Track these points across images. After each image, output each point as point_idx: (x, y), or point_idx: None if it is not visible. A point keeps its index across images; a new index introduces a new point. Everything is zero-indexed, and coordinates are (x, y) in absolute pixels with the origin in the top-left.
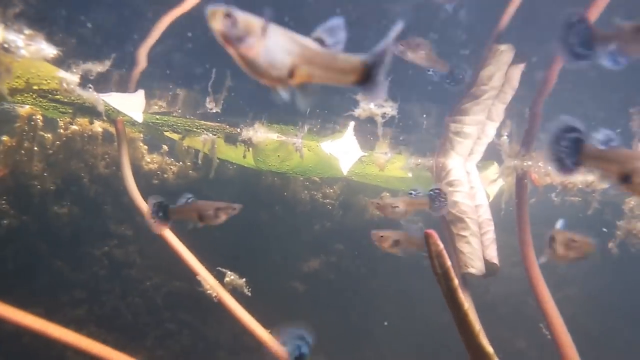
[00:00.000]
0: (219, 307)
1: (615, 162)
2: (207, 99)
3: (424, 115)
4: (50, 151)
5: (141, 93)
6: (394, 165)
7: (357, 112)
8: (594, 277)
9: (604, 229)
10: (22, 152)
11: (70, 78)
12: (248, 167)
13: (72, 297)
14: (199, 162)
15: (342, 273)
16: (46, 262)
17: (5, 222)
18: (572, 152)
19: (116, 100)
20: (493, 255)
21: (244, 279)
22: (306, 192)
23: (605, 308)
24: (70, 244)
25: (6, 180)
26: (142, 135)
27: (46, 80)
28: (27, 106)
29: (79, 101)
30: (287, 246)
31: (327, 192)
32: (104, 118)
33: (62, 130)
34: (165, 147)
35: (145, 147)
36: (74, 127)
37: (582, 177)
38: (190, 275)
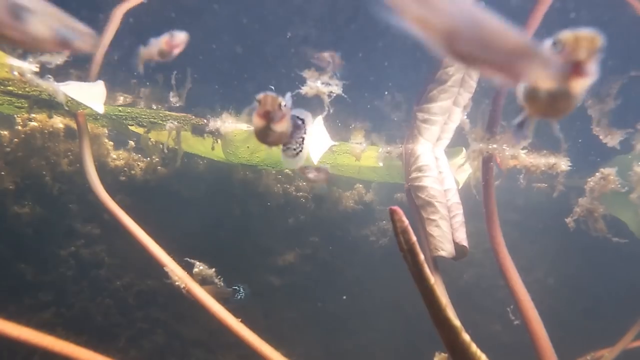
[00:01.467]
0: (194, 304)
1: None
2: (171, 94)
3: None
4: (8, 149)
5: (101, 83)
6: (365, 155)
7: (304, 89)
8: (561, 261)
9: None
10: None
11: (26, 66)
12: (218, 160)
13: (37, 300)
14: (166, 152)
15: (318, 265)
16: (8, 264)
17: None
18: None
19: (75, 90)
20: (462, 237)
21: (213, 269)
22: (279, 185)
23: (573, 291)
24: (34, 245)
25: None
26: (106, 131)
27: None
28: None
29: (34, 93)
30: (262, 240)
31: (300, 185)
32: (66, 108)
33: (20, 127)
34: (131, 142)
35: (111, 143)
36: (33, 123)
37: (545, 160)
38: (162, 272)
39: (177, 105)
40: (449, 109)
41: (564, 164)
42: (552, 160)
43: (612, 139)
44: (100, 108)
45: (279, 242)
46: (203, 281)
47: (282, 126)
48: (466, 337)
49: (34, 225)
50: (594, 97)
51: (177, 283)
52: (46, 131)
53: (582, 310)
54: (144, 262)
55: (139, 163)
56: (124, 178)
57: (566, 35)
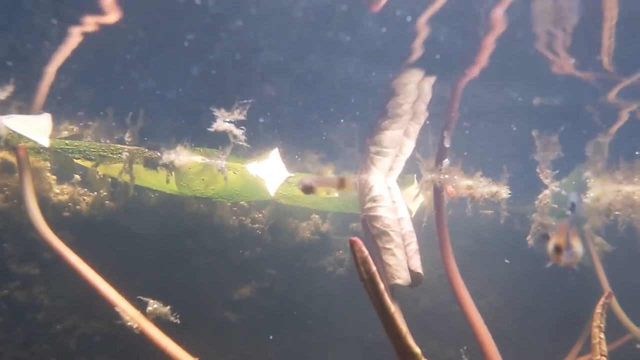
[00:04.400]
0: (143, 346)
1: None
2: (127, 134)
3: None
4: None
5: (47, 116)
6: None
7: (214, 126)
8: (510, 284)
9: (507, 261)
10: None
11: None
12: (171, 193)
13: None
14: (115, 186)
15: (275, 298)
16: None
17: None
18: None
19: (18, 123)
20: (417, 265)
21: (168, 307)
22: (234, 217)
23: (523, 312)
24: None
25: None
26: (49, 164)
27: None
28: None
29: None
30: (216, 275)
31: (256, 216)
32: (1, 144)
33: None
34: (77, 176)
35: (54, 177)
36: None
37: (487, 188)
38: (108, 313)
39: (129, 140)
40: (400, 141)
41: (504, 191)
42: (494, 188)
43: (546, 177)
44: (45, 141)
45: (234, 275)
46: (157, 320)
47: None
48: None
49: None
50: (540, 145)
51: (129, 323)
52: None
53: (531, 330)
54: (88, 303)
55: (85, 197)
56: (67, 213)
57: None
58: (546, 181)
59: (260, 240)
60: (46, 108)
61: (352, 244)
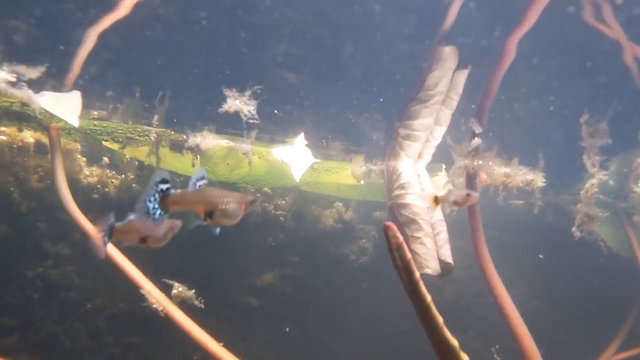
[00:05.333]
0: (168, 327)
1: (199, 203)
2: (155, 116)
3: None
4: None
5: (77, 94)
6: (345, 173)
7: (225, 107)
8: (541, 277)
9: (541, 256)
10: None
11: (1, 76)
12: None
13: (1, 324)
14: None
15: (298, 286)
16: None
17: None
18: (160, 202)
19: (50, 101)
20: (447, 254)
21: (193, 290)
22: (258, 204)
23: (554, 306)
24: None
25: None
26: (79, 146)
27: None
28: None
29: (4, 105)
30: (240, 260)
31: (279, 203)
32: (38, 117)
33: None
34: (105, 159)
35: (84, 159)
36: (2, 137)
37: (522, 176)
38: (136, 295)
39: (157, 123)
40: (430, 126)
41: (540, 180)
42: (529, 176)
43: (593, 166)
44: (74, 121)
45: (257, 262)
46: (182, 303)
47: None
48: (464, 357)
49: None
50: (588, 131)
51: (154, 306)
52: (15, 145)
53: (563, 326)
54: (117, 284)
55: (113, 180)
56: (96, 195)
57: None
58: (592, 170)
59: (283, 227)
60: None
61: (387, 229)
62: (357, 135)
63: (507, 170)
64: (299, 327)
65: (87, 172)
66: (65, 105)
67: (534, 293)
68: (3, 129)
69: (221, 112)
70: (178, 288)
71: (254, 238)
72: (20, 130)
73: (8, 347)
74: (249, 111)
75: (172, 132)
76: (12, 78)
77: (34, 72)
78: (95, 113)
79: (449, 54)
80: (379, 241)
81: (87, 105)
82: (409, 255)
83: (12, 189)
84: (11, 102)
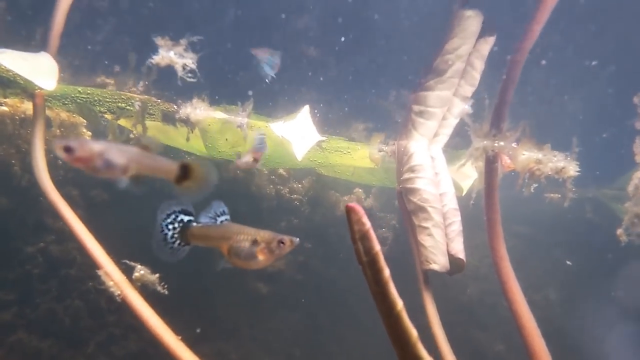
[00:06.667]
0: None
1: (221, 239)
2: (140, 83)
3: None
4: None
5: (47, 55)
6: (358, 154)
7: (156, 59)
8: (573, 278)
9: (568, 262)
10: None
11: None
12: (205, 157)
13: None
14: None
15: (310, 273)
16: None
17: None
18: (180, 235)
19: (13, 60)
20: (459, 249)
21: (157, 275)
22: (272, 186)
23: (585, 311)
24: None
25: None
26: (84, 121)
27: None
28: None
29: None
30: None
31: (294, 187)
32: (18, 91)
33: None
34: (111, 135)
35: (89, 133)
36: (4, 108)
37: (552, 163)
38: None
39: (141, 89)
40: (448, 100)
41: (572, 168)
42: (560, 163)
43: None
44: (49, 84)
45: None
46: (143, 287)
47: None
48: None
49: (0, 218)
50: None
51: (111, 289)
52: (17, 117)
53: (594, 332)
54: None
55: None
56: None
57: None
58: None
59: (298, 212)
60: (81, 61)
61: (349, 212)
62: (380, 116)
63: (539, 155)
64: (309, 316)
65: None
66: (35, 66)
67: (565, 295)
68: (5, 100)
69: (150, 65)
70: (140, 271)
71: (266, 221)
72: (5, 97)
73: (4, 322)
74: (185, 65)
75: (160, 101)
76: None
77: None
78: (98, 81)
79: (471, 19)
80: (399, 231)
81: (92, 76)
82: (376, 247)
83: (13, 161)
84: None
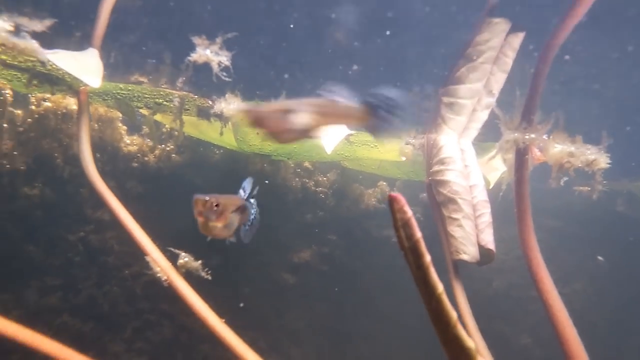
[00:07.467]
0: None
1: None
2: (180, 79)
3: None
4: (21, 129)
5: (94, 52)
6: (386, 148)
7: (194, 57)
8: (603, 273)
9: (600, 258)
10: None
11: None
12: (232, 150)
13: (44, 283)
14: (175, 134)
15: (335, 265)
16: (17, 245)
17: None
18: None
19: (65, 60)
20: (489, 240)
21: (200, 262)
22: (297, 179)
23: (616, 305)
24: (43, 228)
25: None
26: (120, 115)
27: None
28: None
29: (29, 65)
30: (277, 236)
31: (319, 180)
32: (47, 67)
33: (34, 107)
34: (146, 128)
35: (125, 127)
36: (47, 103)
37: (584, 157)
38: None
39: (180, 85)
40: (478, 93)
41: (603, 160)
42: (591, 156)
43: None
44: (95, 82)
45: (294, 238)
46: (188, 274)
47: (221, 221)
48: None
49: (44, 208)
50: None
51: (158, 275)
52: (59, 112)
53: (628, 326)
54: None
55: (152, 149)
56: (136, 164)
57: None
58: None
59: (323, 205)
60: (117, 58)
61: (392, 201)
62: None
63: (572, 148)
64: (335, 306)
65: (128, 141)
66: (83, 65)
67: (596, 289)
68: (48, 95)
69: (188, 63)
70: (184, 258)
71: (292, 214)
72: (53, 94)
73: (50, 306)
74: (220, 62)
75: (196, 97)
76: (10, 27)
77: (37, 25)
78: (133, 79)
79: (499, 22)
80: (424, 224)
81: (126, 75)
82: (418, 234)
83: (56, 154)
84: (33, 62)
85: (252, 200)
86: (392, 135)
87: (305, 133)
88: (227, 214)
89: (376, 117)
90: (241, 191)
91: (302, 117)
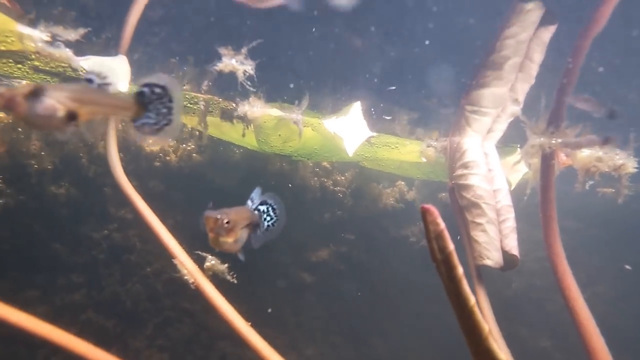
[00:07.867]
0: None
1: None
2: (204, 82)
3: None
4: None
5: (123, 58)
6: (406, 149)
7: (220, 66)
8: (625, 275)
9: (627, 267)
10: (19, 129)
11: (36, 35)
12: (253, 149)
13: (70, 280)
14: (200, 139)
15: (353, 264)
16: (43, 243)
17: (1, 201)
18: None
19: (95, 64)
20: (513, 245)
21: (226, 265)
22: (316, 178)
23: (638, 308)
24: (68, 226)
25: (2, 159)
26: None
27: (7, 37)
28: (24, 82)
29: (60, 70)
30: (295, 235)
31: (338, 179)
32: (78, 72)
33: None
34: None
35: None
36: None
37: (612, 161)
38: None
39: (205, 89)
40: (503, 98)
41: (631, 165)
42: (619, 160)
43: None
44: (123, 86)
45: (312, 237)
46: (214, 277)
47: (232, 237)
48: None
49: (70, 207)
50: None
51: (185, 277)
52: None
53: None
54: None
55: (174, 149)
56: (158, 163)
57: None
58: None
59: (341, 204)
60: (141, 59)
61: (425, 213)
62: (424, 108)
63: (600, 153)
64: (351, 306)
65: (150, 141)
66: (113, 70)
67: (617, 293)
68: None
69: (214, 72)
70: (211, 261)
71: (310, 213)
72: None
73: (76, 302)
74: (245, 72)
75: (221, 100)
76: (47, 37)
77: (71, 34)
78: None
79: (531, 9)
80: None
81: (148, 73)
82: (450, 246)
83: (81, 154)
84: (64, 67)
85: (275, 207)
86: (162, 133)
87: (59, 122)
88: (237, 230)
89: (142, 107)
90: (249, 202)
91: (50, 103)
